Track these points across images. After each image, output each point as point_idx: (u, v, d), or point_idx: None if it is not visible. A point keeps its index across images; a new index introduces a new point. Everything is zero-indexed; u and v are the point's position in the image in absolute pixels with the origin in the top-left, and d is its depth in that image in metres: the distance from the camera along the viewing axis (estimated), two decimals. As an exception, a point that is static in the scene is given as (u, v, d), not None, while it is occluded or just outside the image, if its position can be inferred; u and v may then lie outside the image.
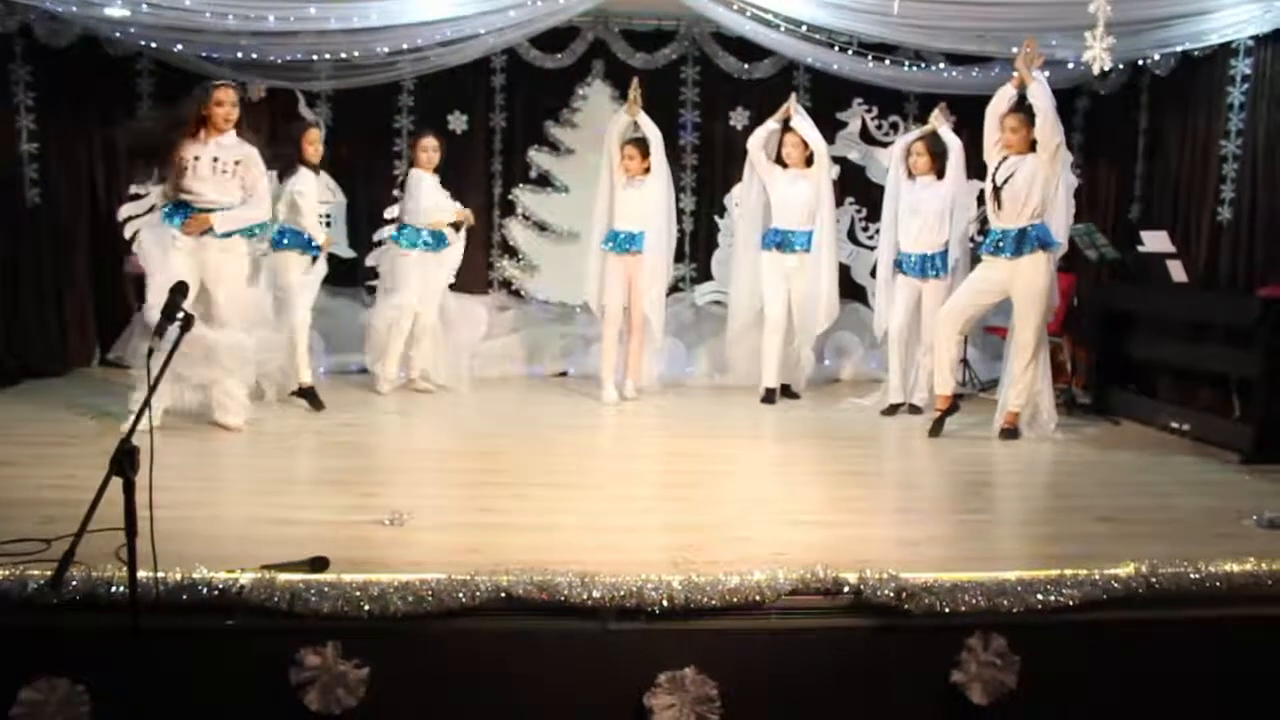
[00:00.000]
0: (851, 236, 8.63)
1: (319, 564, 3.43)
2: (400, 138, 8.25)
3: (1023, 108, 5.93)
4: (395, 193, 7.74)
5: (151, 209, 5.64)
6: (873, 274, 8.37)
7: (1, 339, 7.10)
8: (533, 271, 8.45)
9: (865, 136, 8.60)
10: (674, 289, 7.92)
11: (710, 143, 8.54)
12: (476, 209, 7.69)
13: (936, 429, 6.17)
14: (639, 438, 6.29)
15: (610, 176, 7.07)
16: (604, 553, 3.71)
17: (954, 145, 6.68)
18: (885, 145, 8.46)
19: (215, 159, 5.58)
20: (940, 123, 6.77)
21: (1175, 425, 6.29)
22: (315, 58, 7.37)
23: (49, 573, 3.01)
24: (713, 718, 3.30)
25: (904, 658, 3.44)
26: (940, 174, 6.72)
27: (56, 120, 7.48)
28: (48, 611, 3.15)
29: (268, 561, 3.39)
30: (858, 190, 8.59)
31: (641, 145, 6.97)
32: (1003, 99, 6.01)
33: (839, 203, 8.12)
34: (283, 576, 3.29)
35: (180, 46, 7.18)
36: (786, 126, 7.08)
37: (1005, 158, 6.01)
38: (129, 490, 2.67)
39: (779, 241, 7.12)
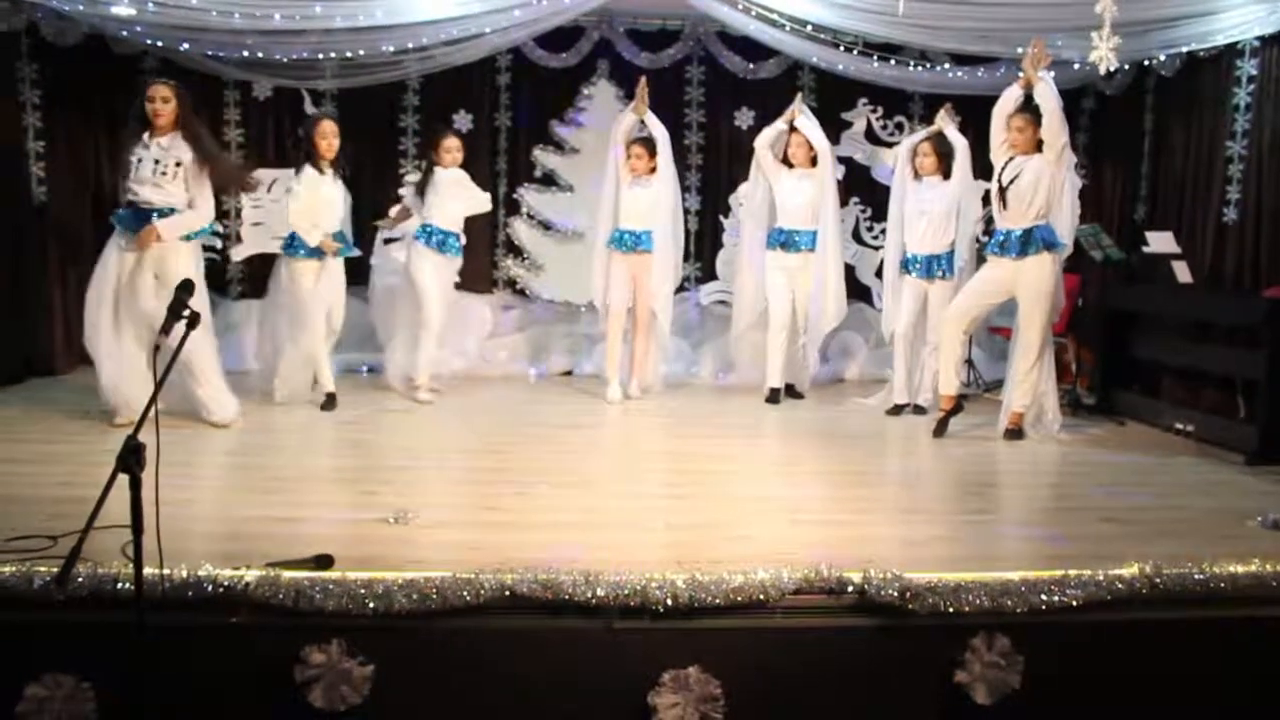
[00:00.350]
0: (856, 236, 8.63)
1: (324, 562, 3.44)
2: (406, 137, 8.27)
3: (1029, 108, 5.92)
4: (400, 192, 7.77)
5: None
6: (878, 274, 8.38)
7: (7, 336, 7.11)
8: (538, 271, 8.45)
9: (870, 136, 8.59)
10: (679, 288, 7.93)
11: (715, 142, 8.54)
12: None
13: (941, 429, 6.17)
14: (643, 437, 6.29)
15: (616, 176, 7.07)
16: (608, 551, 3.72)
17: (960, 145, 6.68)
18: (890, 145, 8.46)
19: (156, 160, 5.55)
20: (946, 123, 6.77)
21: (1180, 426, 6.28)
22: (321, 56, 7.39)
23: (55, 569, 3.02)
24: (716, 717, 3.30)
25: (907, 657, 3.44)
26: (946, 174, 6.71)
27: (62, 118, 7.49)
28: (54, 608, 3.16)
29: (273, 559, 3.40)
30: (863, 190, 8.60)
31: (649, 144, 6.97)
32: (1009, 99, 6.00)
33: (844, 203, 8.12)
34: (288, 574, 3.30)
35: (186, 45, 7.19)
36: (793, 126, 7.09)
37: (1011, 158, 6.01)
38: (135, 487, 2.67)
39: (784, 241, 7.12)
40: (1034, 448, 5.99)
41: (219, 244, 8.13)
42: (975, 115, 6.76)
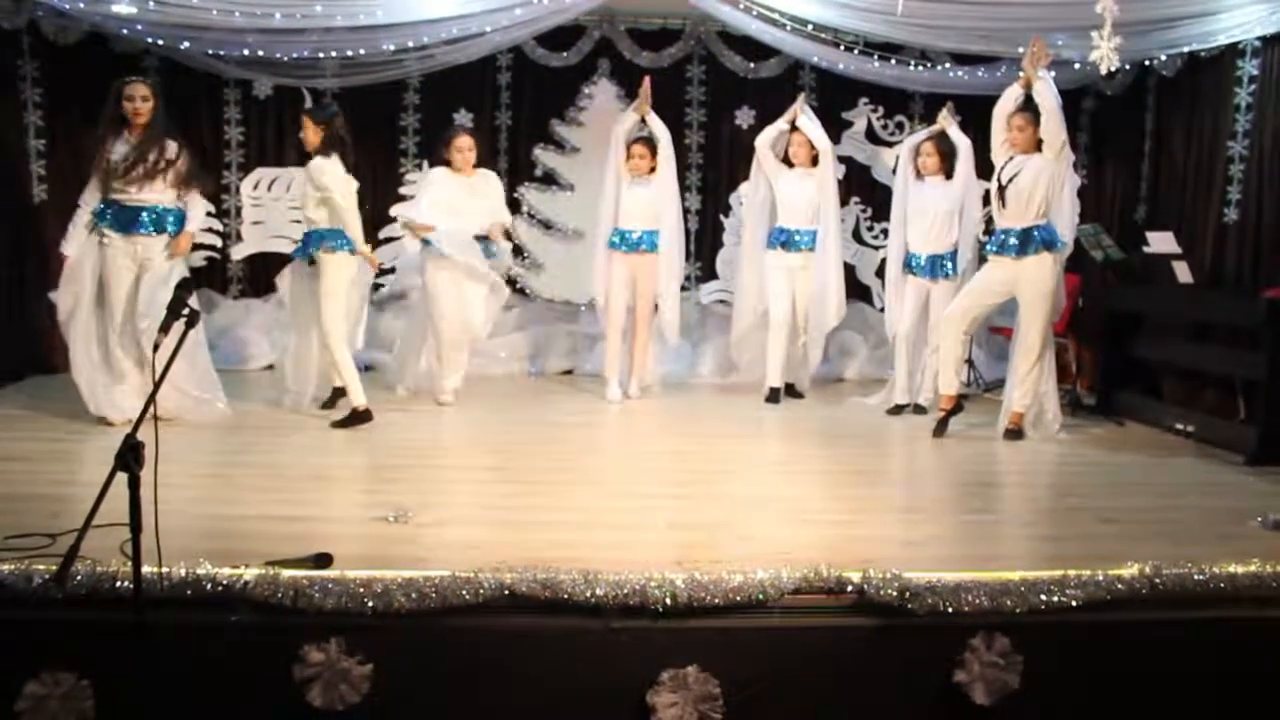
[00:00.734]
0: (857, 236, 8.63)
1: (323, 560, 3.44)
2: (406, 136, 8.27)
3: (1029, 107, 5.92)
4: (404, 191, 7.78)
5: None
6: (878, 274, 8.39)
7: (6, 334, 7.11)
8: (538, 270, 8.45)
9: (871, 136, 8.60)
10: (680, 288, 7.93)
11: (716, 142, 8.54)
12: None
13: (941, 429, 6.16)
14: (643, 436, 6.29)
15: (616, 175, 7.07)
16: (607, 550, 3.72)
17: (963, 145, 6.67)
18: (891, 145, 8.47)
19: (143, 159, 5.58)
20: (948, 122, 6.76)
21: (1180, 426, 6.28)
22: (321, 55, 7.39)
23: (54, 567, 3.02)
24: (715, 716, 3.29)
25: (906, 657, 3.44)
26: (949, 174, 6.71)
27: (63, 117, 7.49)
28: (53, 606, 3.16)
29: (272, 557, 3.40)
30: (863, 190, 8.60)
31: (650, 144, 6.97)
32: (1010, 98, 5.99)
33: (844, 202, 8.12)
34: (287, 572, 3.30)
35: (187, 44, 7.20)
36: (794, 126, 7.08)
37: (1011, 157, 6.01)
38: (134, 485, 2.67)
39: (784, 240, 7.11)
40: (1034, 448, 5.98)
41: (219, 243, 8.14)
42: (976, 115, 6.76)
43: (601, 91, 8.34)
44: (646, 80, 7.01)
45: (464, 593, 3.27)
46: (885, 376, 7.36)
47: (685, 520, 4.31)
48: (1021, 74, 5.94)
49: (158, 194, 5.67)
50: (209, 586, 3.22)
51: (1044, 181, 5.92)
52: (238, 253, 8.21)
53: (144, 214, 5.63)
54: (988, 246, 6.23)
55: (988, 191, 6.41)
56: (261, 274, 8.17)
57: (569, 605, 3.30)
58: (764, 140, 7.15)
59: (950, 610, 3.39)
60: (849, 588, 3.42)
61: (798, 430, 6.43)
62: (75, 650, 3.16)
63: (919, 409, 6.80)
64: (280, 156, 8.16)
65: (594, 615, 3.31)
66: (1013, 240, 5.98)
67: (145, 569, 2.81)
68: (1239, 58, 7.00)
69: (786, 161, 7.16)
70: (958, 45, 7.43)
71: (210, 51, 7.35)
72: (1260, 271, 6.77)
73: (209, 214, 7.79)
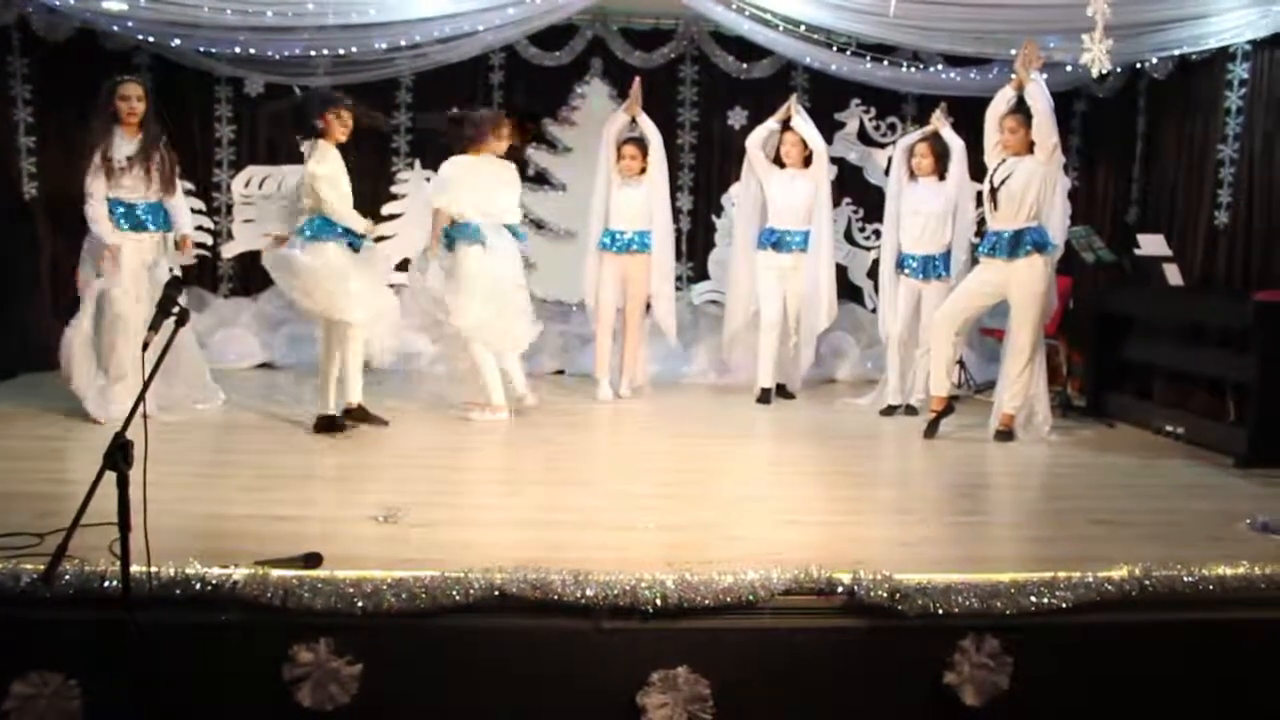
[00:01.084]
0: (848, 237, 8.64)
1: (312, 560, 3.43)
2: (398, 134, 8.25)
3: (1021, 109, 5.93)
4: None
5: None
6: (869, 275, 8.40)
7: (-2, 331, 7.10)
8: (530, 269, 8.43)
9: (863, 137, 8.61)
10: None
11: (708, 142, 8.56)
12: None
13: (932, 430, 6.17)
14: (634, 436, 6.29)
15: (607, 176, 7.06)
16: (598, 551, 3.71)
17: (956, 146, 6.68)
18: (883, 146, 8.48)
19: (140, 158, 5.63)
20: (942, 123, 6.77)
21: (1170, 428, 6.30)
22: (313, 53, 7.38)
23: (42, 566, 3.01)
24: (705, 717, 3.29)
25: (897, 658, 3.44)
26: (942, 175, 6.71)
27: (54, 114, 7.47)
28: (40, 605, 3.15)
29: (261, 557, 3.39)
30: (855, 191, 8.62)
31: (641, 145, 6.97)
32: (1002, 100, 6.01)
33: (836, 203, 8.13)
34: (276, 572, 3.28)
35: (178, 41, 7.19)
36: (785, 126, 7.08)
37: (1003, 160, 6.02)
38: (123, 485, 2.67)
39: (775, 241, 7.11)
40: (1025, 449, 5.99)
41: (210, 240, 8.12)
42: (968, 116, 6.77)
43: (594, 91, 8.34)
44: (637, 81, 7.01)
45: (454, 593, 3.26)
46: (876, 377, 7.37)
47: (676, 521, 4.30)
48: (1014, 76, 5.96)
49: (154, 193, 5.72)
50: (198, 586, 3.21)
51: (1035, 184, 5.93)
52: (228, 251, 8.19)
53: (143, 212, 5.68)
54: (979, 248, 6.25)
55: (980, 193, 6.42)
56: (252, 272, 8.15)
57: (559, 606, 3.29)
58: (754, 140, 7.15)
59: (940, 611, 3.40)
60: (839, 589, 3.42)
61: (789, 431, 6.44)
62: (63, 650, 3.15)
63: (911, 410, 6.81)
64: (272, 154, 8.14)
65: (584, 616, 3.31)
66: (1004, 242, 5.99)
67: (134, 568, 2.80)
68: (1230, 61, 7.03)
69: (778, 162, 7.17)
70: (950, 47, 7.46)
71: (201, 49, 7.35)
72: (1250, 274, 6.80)
73: (197, 211, 7.83)
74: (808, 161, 7.07)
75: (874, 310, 7.89)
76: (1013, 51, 6.05)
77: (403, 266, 8.23)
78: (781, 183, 7.12)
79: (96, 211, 5.55)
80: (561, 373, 8.10)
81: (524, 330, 6.38)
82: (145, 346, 2.99)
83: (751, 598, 3.36)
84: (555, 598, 3.28)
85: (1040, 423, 6.19)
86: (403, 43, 7.26)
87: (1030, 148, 5.93)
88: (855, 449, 6.01)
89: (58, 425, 5.61)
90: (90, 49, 7.40)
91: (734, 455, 5.77)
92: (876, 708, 3.46)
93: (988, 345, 7.92)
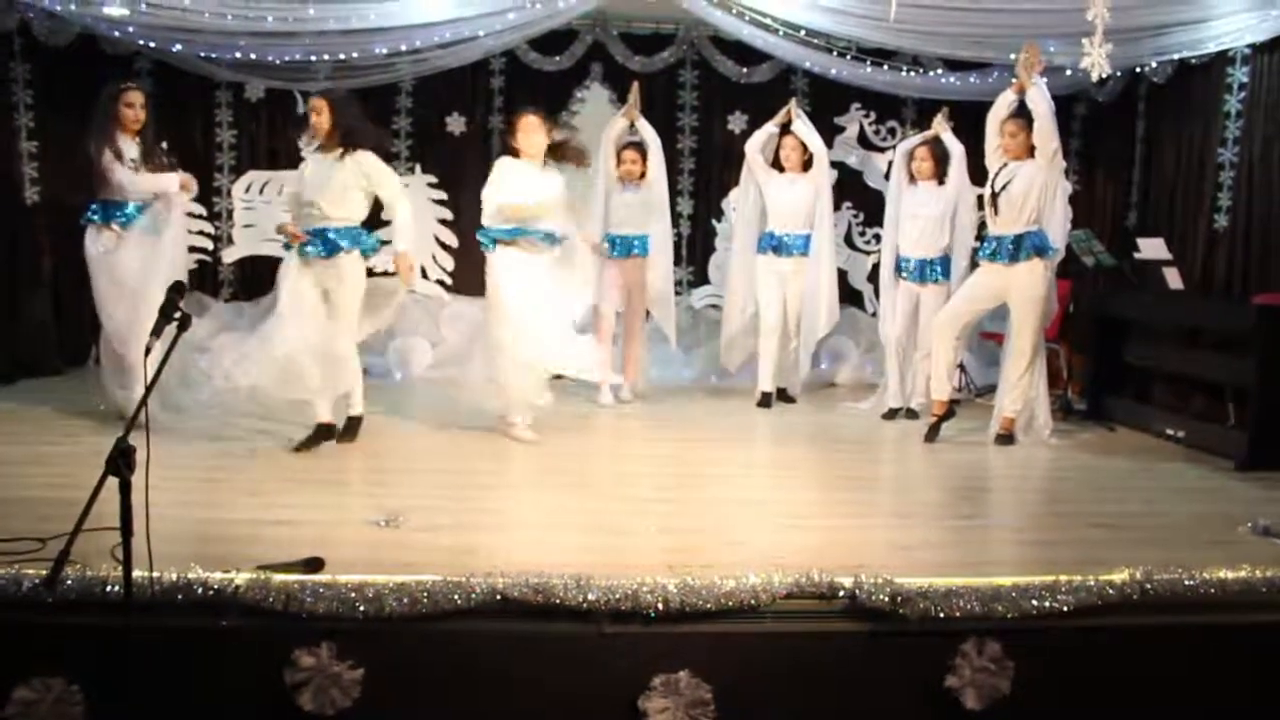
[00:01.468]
0: (849, 241, 8.64)
1: (314, 565, 3.44)
2: (399, 139, 8.26)
3: (1022, 113, 5.94)
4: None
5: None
6: (869, 279, 8.40)
7: (-1, 335, 7.11)
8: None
9: (863, 141, 8.61)
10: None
11: (708, 146, 8.56)
12: (474, 210, 7.66)
13: (932, 434, 6.17)
14: (635, 441, 6.29)
15: (606, 180, 7.06)
16: (599, 555, 3.72)
17: (956, 150, 6.68)
18: (883, 150, 8.49)
19: (141, 161, 5.69)
20: (943, 127, 6.77)
21: (1170, 432, 6.30)
22: (314, 58, 7.39)
23: (44, 572, 3.00)
24: (706, 721, 3.30)
25: (898, 662, 3.44)
26: (942, 179, 6.72)
27: (55, 119, 7.47)
28: (42, 610, 3.15)
29: (263, 562, 3.39)
30: (855, 195, 8.61)
31: (641, 149, 6.97)
32: (1003, 104, 6.02)
33: (836, 207, 8.12)
34: (278, 577, 3.29)
35: (179, 46, 7.20)
36: (785, 130, 7.09)
37: (1004, 164, 6.02)
38: (125, 490, 2.67)
39: (774, 245, 7.12)
40: (1025, 453, 6.00)
41: (210, 245, 8.13)
42: (968, 121, 6.78)
43: (594, 96, 8.34)
44: (635, 85, 7.02)
45: (456, 597, 3.26)
46: (877, 381, 7.37)
47: (677, 525, 4.31)
48: (1014, 80, 5.96)
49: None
50: (200, 591, 3.21)
51: (1036, 188, 5.93)
52: (229, 256, 8.19)
53: (146, 214, 5.72)
54: (980, 252, 6.25)
55: (981, 197, 6.43)
56: (252, 277, 8.15)
57: (561, 610, 3.29)
58: (753, 144, 7.15)
59: (942, 615, 3.39)
60: (841, 593, 3.42)
61: (789, 435, 6.44)
62: (65, 655, 3.15)
63: (911, 413, 6.81)
64: (272, 159, 8.15)
65: (586, 620, 3.31)
66: (1005, 246, 6.00)
67: (136, 573, 2.80)
68: (1229, 65, 7.04)
69: (777, 166, 7.17)
70: (950, 51, 7.46)
71: (202, 54, 7.35)
72: (1250, 277, 6.80)
73: (200, 216, 7.85)
74: (807, 165, 7.07)
75: (874, 314, 7.88)
76: (1012, 56, 6.06)
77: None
78: (780, 187, 7.12)
79: (130, 175, 5.60)
80: (561, 377, 8.07)
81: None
82: (147, 351, 2.99)
83: (753, 602, 3.36)
84: (557, 602, 3.28)
85: (1041, 426, 6.19)
86: (403, 48, 7.26)
87: (1031, 152, 5.94)
88: (856, 453, 6.01)
89: (59, 430, 5.62)
90: (91, 54, 7.41)
91: (735, 459, 5.77)
92: (878, 712, 3.46)
93: (988, 349, 7.92)
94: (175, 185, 5.72)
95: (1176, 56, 7.29)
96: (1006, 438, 6.09)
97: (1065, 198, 6.71)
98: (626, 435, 6.45)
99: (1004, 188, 5.98)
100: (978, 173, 6.48)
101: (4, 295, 7.20)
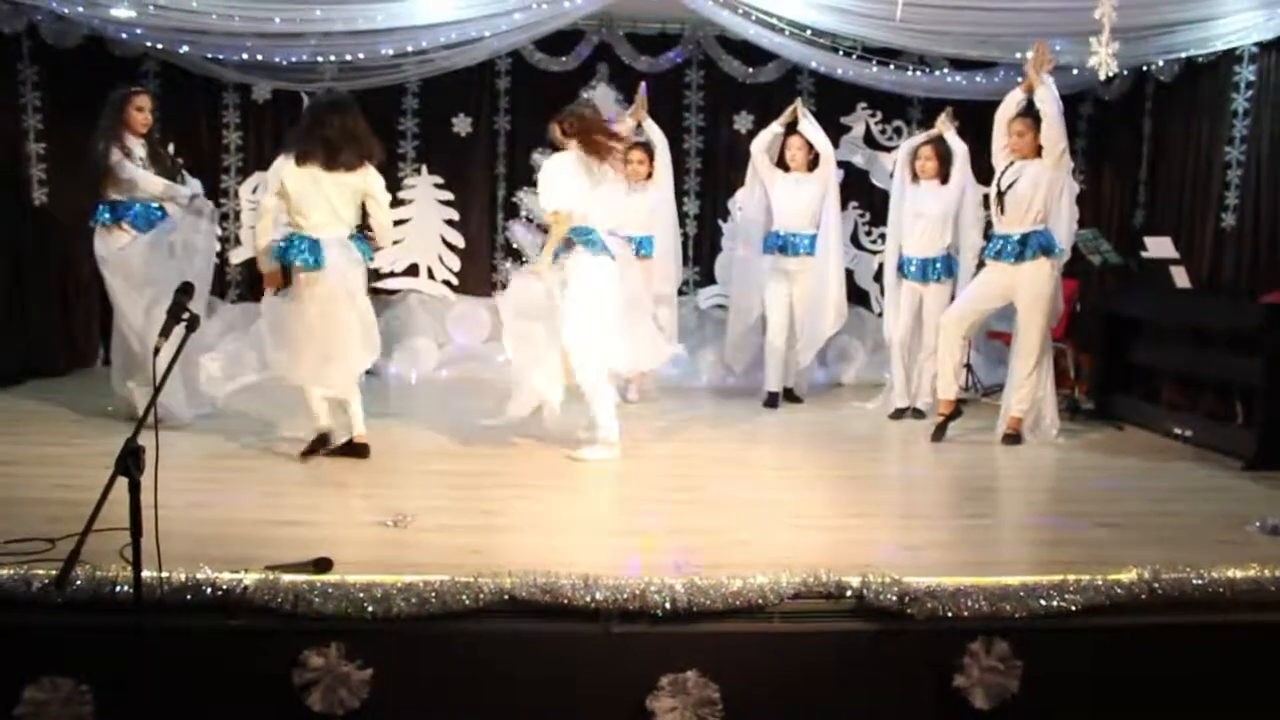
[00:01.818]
0: (855, 241, 8.63)
1: (322, 565, 3.44)
2: (405, 140, 8.27)
3: (1029, 112, 5.93)
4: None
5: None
6: (875, 278, 8.39)
7: (6, 337, 7.11)
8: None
9: (869, 141, 8.60)
10: (678, 292, 7.93)
11: (714, 146, 8.55)
12: (480, 210, 7.73)
13: (939, 434, 6.17)
14: (641, 441, 6.28)
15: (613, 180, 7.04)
16: (607, 555, 3.72)
17: (960, 150, 6.67)
18: (889, 150, 8.47)
19: (149, 163, 5.78)
20: (947, 127, 6.76)
21: (1178, 431, 6.29)
22: (320, 59, 7.40)
23: (54, 572, 3.02)
24: (714, 720, 3.30)
25: (906, 662, 3.44)
26: (945, 178, 6.70)
27: (63, 120, 7.49)
28: (52, 611, 3.16)
29: (272, 562, 3.40)
30: (861, 194, 8.60)
31: (647, 149, 6.97)
32: (1011, 103, 6.01)
33: (842, 207, 8.12)
34: (286, 577, 3.30)
35: (186, 48, 7.21)
36: (790, 130, 7.09)
37: (1011, 162, 6.02)
38: (134, 490, 2.67)
39: (780, 245, 7.11)
40: (1032, 452, 5.99)
41: (218, 247, 8.12)
42: (973, 120, 6.77)
43: (600, 96, 8.33)
44: (643, 85, 7.02)
45: (464, 597, 3.27)
46: (883, 381, 7.36)
47: (684, 525, 4.31)
48: (1021, 79, 5.95)
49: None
50: (209, 591, 3.23)
51: (1043, 187, 5.93)
52: (236, 257, 8.21)
53: (151, 214, 5.78)
54: (986, 252, 6.24)
55: (987, 196, 6.42)
56: (259, 278, 8.14)
57: (568, 610, 3.30)
58: (759, 144, 7.15)
59: (949, 615, 3.40)
60: (848, 593, 3.42)
61: (796, 435, 6.43)
62: (75, 655, 3.16)
63: (918, 413, 6.81)
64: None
65: (593, 620, 3.32)
66: (1011, 246, 5.99)
67: (145, 573, 2.81)
68: (1236, 63, 7.02)
69: (783, 165, 7.17)
70: (956, 50, 7.46)
71: (209, 55, 7.37)
72: (1258, 276, 6.79)
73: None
74: (813, 165, 7.07)
75: (880, 314, 7.87)
76: (1018, 55, 6.06)
77: (412, 271, 8.28)
78: (786, 186, 7.12)
79: (141, 172, 5.67)
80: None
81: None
82: (156, 352, 3.00)
83: (760, 601, 3.37)
84: (564, 602, 3.29)
85: (1048, 426, 6.18)
86: (409, 48, 7.27)
87: (1038, 151, 5.93)
88: (863, 452, 6.01)
89: (67, 430, 5.63)
90: (99, 56, 7.43)
91: (741, 459, 5.77)
92: (885, 711, 3.46)
93: (995, 348, 7.91)
94: (186, 196, 5.82)
95: (1184, 55, 7.27)
96: (1013, 437, 6.08)
97: (1072, 197, 6.70)
98: (632, 436, 6.44)
99: (1010, 187, 5.97)
100: (983, 172, 6.46)
101: (12, 297, 7.21)
